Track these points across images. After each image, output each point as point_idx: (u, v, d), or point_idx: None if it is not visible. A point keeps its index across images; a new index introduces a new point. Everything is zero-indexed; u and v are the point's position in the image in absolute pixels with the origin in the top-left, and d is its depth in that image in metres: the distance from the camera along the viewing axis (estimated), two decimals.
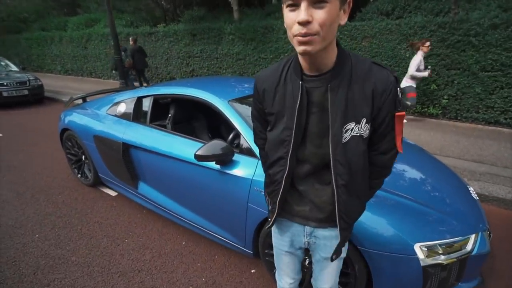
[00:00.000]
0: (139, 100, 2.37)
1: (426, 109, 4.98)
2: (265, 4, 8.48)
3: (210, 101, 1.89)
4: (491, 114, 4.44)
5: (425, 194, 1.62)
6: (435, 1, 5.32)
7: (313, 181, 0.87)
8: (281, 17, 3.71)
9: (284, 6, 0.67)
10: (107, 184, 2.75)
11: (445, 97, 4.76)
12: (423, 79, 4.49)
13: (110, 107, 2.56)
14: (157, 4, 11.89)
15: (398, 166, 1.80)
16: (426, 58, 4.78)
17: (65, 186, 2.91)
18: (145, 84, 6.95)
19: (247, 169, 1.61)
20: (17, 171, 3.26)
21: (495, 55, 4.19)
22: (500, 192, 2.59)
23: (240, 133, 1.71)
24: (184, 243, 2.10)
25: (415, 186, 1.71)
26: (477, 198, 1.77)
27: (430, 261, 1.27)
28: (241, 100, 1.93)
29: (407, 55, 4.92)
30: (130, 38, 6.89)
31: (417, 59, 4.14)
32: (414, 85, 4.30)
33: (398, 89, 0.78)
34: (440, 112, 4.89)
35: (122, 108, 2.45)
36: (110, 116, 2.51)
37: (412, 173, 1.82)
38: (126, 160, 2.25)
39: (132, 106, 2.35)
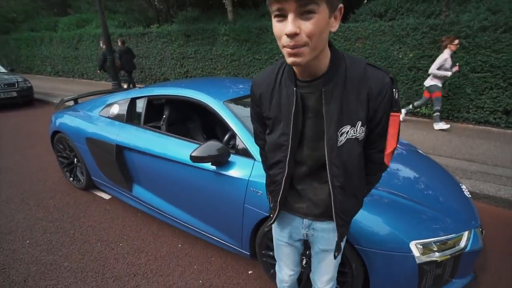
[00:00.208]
0: (133, 102, 2.34)
1: (418, 109, 5.07)
2: (259, 5, 8.49)
3: (205, 101, 1.88)
4: (481, 114, 4.54)
5: (419, 193, 1.64)
6: (427, 3, 5.43)
7: (311, 180, 0.89)
8: None
9: (272, 16, 0.66)
10: (100, 187, 2.70)
11: None
12: (412, 80, 4.53)
13: (102, 109, 2.52)
14: (150, 5, 11.80)
15: (393, 166, 1.82)
16: (418, 59, 4.86)
17: (56, 190, 2.84)
18: (131, 86, 6.88)
19: (243, 170, 1.60)
20: (4, 175, 3.17)
21: (484, 57, 4.29)
22: (490, 190, 2.64)
23: (236, 134, 1.70)
24: (180, 245, 2.08)
25: (410, 185, 1.73)
26: (470, 196, 1.81)
27: (425, 258, 1.28)
28: (236, 101, 1.93)
29: (400, 56, 5.00)
30: (118, 39, 6.82)
31: (442, 57, 3.91)
32: (440, 84, 4.08)
33: (394, 90, 0.76)
34: (432, 112, 4.97)
35: (115, 109, 2.41)
36: (103, 117, 2.47)
37: (407, 172, 1.85)
38: (119, 162, 2.22)
39: (126, 108, 2.32)
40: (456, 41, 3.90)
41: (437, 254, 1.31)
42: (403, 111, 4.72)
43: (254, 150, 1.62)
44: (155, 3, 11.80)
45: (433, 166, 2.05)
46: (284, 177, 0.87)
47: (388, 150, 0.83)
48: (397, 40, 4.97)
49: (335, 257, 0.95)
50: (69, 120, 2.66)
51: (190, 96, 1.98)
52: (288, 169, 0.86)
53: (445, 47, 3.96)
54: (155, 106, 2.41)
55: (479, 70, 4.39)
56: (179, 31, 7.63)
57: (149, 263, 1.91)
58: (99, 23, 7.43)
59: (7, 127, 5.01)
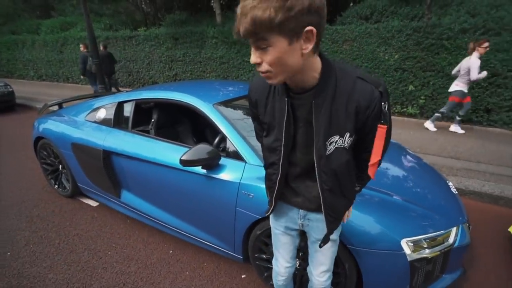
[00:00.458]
0: (120, 105, 2.28)
1: (405, 109, 5.20)
2: None
3: (194, 104, 1.86)
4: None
5: (408, 191, 1.67)
6: (410, 6, 5.60)
7: (304, 179, 0.95)
8: None
9: None
10: (87, 194, 2.61)
11: (422, 97, 4.99)
12: (400, 81, 4.61)
13: (88, 113, 2.45)
14: (138, 8, 11.63)
15: (382, 165, 1.84)
16: (403, 60, 4.99)
17: (40, 199, 2.73)
18: (112, 90, 6.74)
19: (234, 172, 1.58)
20: None
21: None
22: (475, 186, 2.73)
23: (226, 136, 1.69)
24: (171, 251, 2.03)
25: (399, 183, 1.76)
26: (456, 192, 1.85)
27: (416, 255, 1.30)
28: (226, 103, 1.91)
29: (386, 58, 5.13)
30: (101, 44, 6.69)
31: (476, 62, 3.75)
32: (466, 90, 4.04)
33: (383, 103, 0.77)
34: (418, 111, 5.11)
35: (101, 114, 2.34)
36: (89, 122, 2.40)
37: (395, 170, 1.88)
38: (107, 168, 2.15)
39: (113, 112, 2.26)
40: (486, 44, 3.74)
41: (427, 250, 1.33)
42: (428, 122, 4.47)
43: (245, 152, 1.61)
44: (143, 6, 11.65)
45: (420, 164, 2.09)
46: (278, 178, 0.93)
47: (373, 160, 0.83)
48: (383, 42, 5.10)
49: (320, 246, 1.01)
50: (53, 126, 2.57)
51: (179, 99, 1.95)
52: (281, 170, 0.92)
53: (473, 50, 3.83)
54: (144, 110, 2.36)
55: None
56: (167, 34, 7.56)
57: (139, 271, 1.85)
58: (84, 26, 7.26)
59: None
